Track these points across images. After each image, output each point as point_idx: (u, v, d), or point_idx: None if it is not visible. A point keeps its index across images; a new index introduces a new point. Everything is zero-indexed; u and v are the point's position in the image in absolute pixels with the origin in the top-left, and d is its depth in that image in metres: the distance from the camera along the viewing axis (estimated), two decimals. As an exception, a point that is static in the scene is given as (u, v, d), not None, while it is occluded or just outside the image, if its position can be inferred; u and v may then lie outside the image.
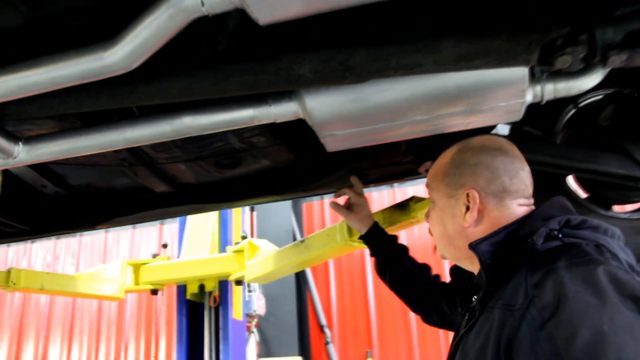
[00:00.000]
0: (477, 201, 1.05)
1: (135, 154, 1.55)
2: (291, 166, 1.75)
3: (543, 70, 1.09)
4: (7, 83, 0.96)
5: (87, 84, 1.01)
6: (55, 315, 7.23)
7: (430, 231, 1.22)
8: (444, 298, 1.44)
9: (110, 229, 7.47)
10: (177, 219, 6.53)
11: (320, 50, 0.97)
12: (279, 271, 2.58)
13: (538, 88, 1.23)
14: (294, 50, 0.98)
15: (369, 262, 6.02)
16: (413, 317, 5.47)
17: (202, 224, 3.70)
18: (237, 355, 3.43)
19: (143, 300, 6.80)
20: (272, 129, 1.51)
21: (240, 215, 4.05)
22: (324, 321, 5.69)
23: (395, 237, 1.65)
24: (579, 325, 0.74)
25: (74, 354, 6.95)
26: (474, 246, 0.99)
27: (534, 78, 1.20)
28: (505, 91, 1.17)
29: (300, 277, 5.94)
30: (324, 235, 2.15)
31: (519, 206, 1.05)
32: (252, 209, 5.78)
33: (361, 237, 1.69)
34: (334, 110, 1.15)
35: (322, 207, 6.70)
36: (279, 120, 1.20)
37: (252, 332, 4.31)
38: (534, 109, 1.33)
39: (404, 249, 1.61)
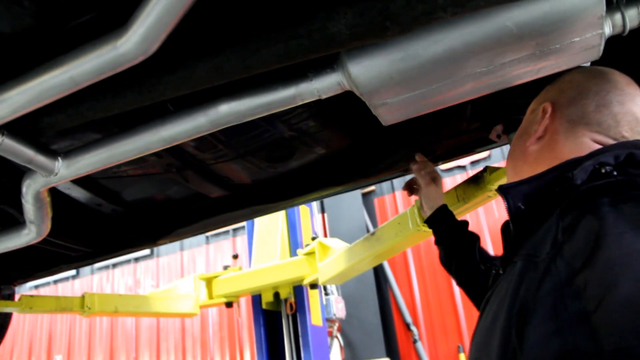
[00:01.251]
0: (548, 115, 0.92)
1: (181, 158, 1.51)
2: (349, 151, 1.64)
3: None
4: (28, 91, 0.93)
5: (111, 83, 0.97)
6: (142, 337, 7.55)
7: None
8: None
9: (185, 248, 7.73)
10: (246, 229, 6.68)
11: (356, 1, 0.86)
12: (353, 269, 2.49)
13: (618, 16, 1.05)
14: (326, 6, 0.88)
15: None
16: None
17: (271, 230, 3.68)
18: (321, 362, 3.37)
19: (224, 315, 6.95)
20: (321, 111, 1.42)
21: (309, 217, 4.00)
22: (409, 319, 5.54)
23: (465, 224, 1.47)
24: (619, 276, 0.55)
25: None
26: (502, 189, 0.83)
27: (611, 4, 1.03)
28: (578, 21, 0.98)
29: (380, 275, 5.83)
30: (394, 224, 2.03)
31: (592, 142, 0.85)
32: (322, 211, 5.73)
33: (426, 221, 1.55)
34: (382, 74, 1.03)
35: (394, 200, 6.55)
36: (324, 96, 1.11)
37: (335, 336, 4.23)
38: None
39: (474, 237, 1.43)
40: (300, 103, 1.11)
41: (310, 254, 3.19)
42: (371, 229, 6.16)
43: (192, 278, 3.45)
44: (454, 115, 1.50)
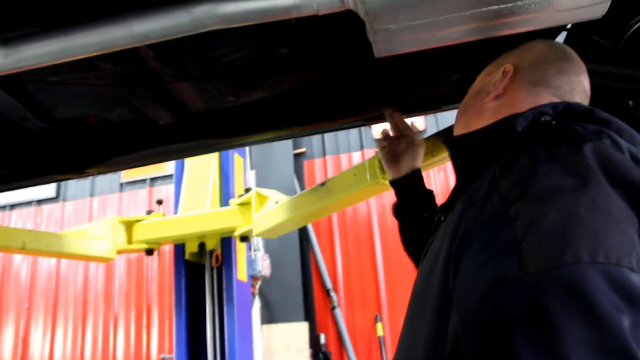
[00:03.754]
0: (509, 75, 1.00)
1: (138, 69, 1.37)
2: (317, 89, 1.58)
3: None
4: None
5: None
6: (38, 286, 7.13)
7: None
8: None
9: (96, 193, 7.32)
10: (171, 177, 6.43)
11: None
12: (293, 221, 2.45)
13: None
14: None
15: (377, 219, 5.94)
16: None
17: (201, 177, 3.54)
18: (243, 320, 3.33)
19: (133, 267, 6.71)
20: (302, 36, 1.34)
21: (242, 169, 3.89)
22: (329, 284, 5.63)
23: (432, 194, 1.45)
24: (546, 207, 0.61)
25: (59, 328, 6.88)
26: (448, 140, 0.92)
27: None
28: None
29: (304, 237, 5.85)
30: (349, 175, 2.00)
31: (550, 100, 0.93)
32: (251, 168, 5.62)
33: (393, 183, 1.49)
34: (393, -5, 0.98)
35: (325, 165, 6.58)
36: (321, 12, 1.04)
37: (256, 295, 4.21)
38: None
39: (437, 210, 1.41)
40: (295, 16, 1.04)
41: (245, 204, 3.11)
42: (299, 191, 6.15)
43: (111, 220, 3.26)
44: (440, 60, 1.48)
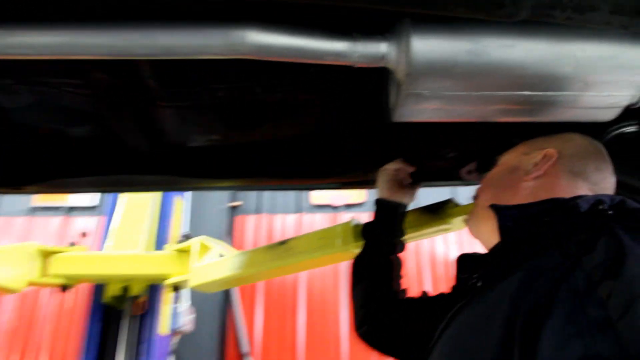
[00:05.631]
0: (553, 160, 1.04)
1: (134, 84, 1.26)
2: (313, 141, 1.53)
3: None
4: None
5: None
6: None
7: (474, 198, 1.20)
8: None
9: (1, 214, 6.72)
10: (92, 209, 6.03)
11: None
12: (241, 278, 2.32)
13: None
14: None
15: (303, 289, 5.82)
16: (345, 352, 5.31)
17: (137, 216, 3.32)
18: (155, 379, 3.05)
19: (26, 302, 6.11)
20: (316, 85, 1.30)
21: (181, 213, 3.72)
22: (246, 348, 5.37)
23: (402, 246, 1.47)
24: None
25: None
26: (495, 206, 0.93)
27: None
28: (627, 76, 1.05)
29: (227, 295, 5.60)
30: (315, 238, 1.94)
31: (586, 194, 0.96)
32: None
33: (378, 201, 1.49)
34: (443, 58, 0.98)
35: (259, 225, 6.44)
36: (357, 65, 1.01)
37: (172, 353, 3.92)
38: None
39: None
40: (329, 62, 1.01)
41: (183, 251, 2.93)
42: (228, 244, 5.95)
43: (26, 247, 2.95)
44: (442, 136, 1.48)
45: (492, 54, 0.97)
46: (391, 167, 1.51)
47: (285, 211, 6.52)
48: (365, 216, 5.91)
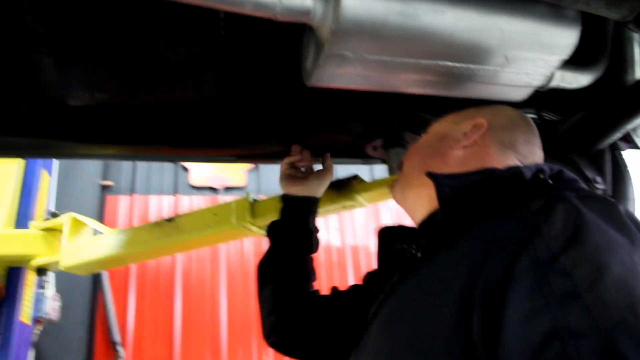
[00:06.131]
0: (483, 130, 1.03)
1: (18, 23, 1.05)
2: (214, 109, 1.41)
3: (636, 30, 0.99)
4: None
5: None
6: None
7: (400, 168, 1.16)
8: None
9: None
10: None
11: None
12: (121, 258, 2.12)
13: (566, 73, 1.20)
14: None
15: (180, 274, 5.58)
16: (225, 346, 5.19)
17: (-5, 190, 2.91)
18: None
19: None
20: (226, 43, 1.19)
21: (48, 189, 3.34)
22: (117, 337, 5.02)
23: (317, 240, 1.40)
24: (607, 260, 0.63)
25: None
26: (432, 174, 0.90)
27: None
28: (544, 55, 1.09)
29: (97, 280, 5.20)
30: (208, 214, 1.82)
31: (516, 165, 0.98)
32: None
33: (284, 197, 1.40)
34: (373, 18, 0.92)
35: (132, 206, 6.05)
36: (279, 18, 0.92)
37: (34, 343, 3.52)
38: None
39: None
40: (248, 12, 0.90)
41: (52, 230, 2.62)
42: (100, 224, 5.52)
43: None
44: (351, 108, 1.43)
45: (423, 18, 0.93)
46: (284, 162, 1.43)
47: (161, 192, 6.19)
48: (249, 198, 5.84)
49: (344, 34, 0.92)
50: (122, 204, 6.04)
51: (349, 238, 5.96)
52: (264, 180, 6.16)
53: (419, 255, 0.84)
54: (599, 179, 1.60)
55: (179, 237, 1.87)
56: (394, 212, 5.93)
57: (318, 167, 1.44)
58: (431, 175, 0.90)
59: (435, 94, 1.17)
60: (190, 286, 5.47)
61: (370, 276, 1.17)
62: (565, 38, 1.05)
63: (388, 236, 1.06)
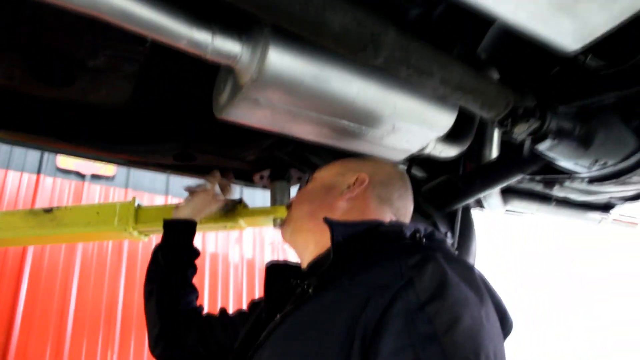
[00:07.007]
0: (365, 184, 1.17)
1: None
2: (126, 114, 1.43)
3: (501, 128, 1.20)
4: None
5: None
6: None
7: (288, 208, 1.27)
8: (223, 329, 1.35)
9: None
10: None
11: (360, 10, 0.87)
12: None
13: (440, 146, 1.40)
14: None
15: (30, 256, 5.14)
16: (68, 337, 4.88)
17: None
18: None
19: None
20: (149, 59, 1.23)
21: None
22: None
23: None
24: (461, 313, 0.80)
25: None
26: (329, 221, 1.04)
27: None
28: (425, 131, 1.28)
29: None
30: (90, 212, 1.79)
31: (391, 218, 1.17)
32: None
33: (167, 224, 1.50)
34: (291, 76, 1.03)
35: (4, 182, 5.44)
36: (208, 57, 0.99)
37: None
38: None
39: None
40: (183, 48, 0.97)
41: None
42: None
43: None
44: (246, 139, 1.53)
45: (333, 83, 1.06)
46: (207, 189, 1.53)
47: (23, 169, 5.68)
48: (114, 190, 5.56)
49: (263, 83, 1.02)
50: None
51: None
52: (133, 172, 5.93)
53: (310, 291, 0.95)
54: (449, 234, 1.84)
55: (55, 230, 1.80)
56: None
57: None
58: (328, 222, 1.02)
59: (327, 143, 1.30)
60: (40, 270, 5.06)
61: (254, 304, 1.27)
62: (444, 120, 1.24)
63: (275, 271, 1.17)
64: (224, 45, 0.98)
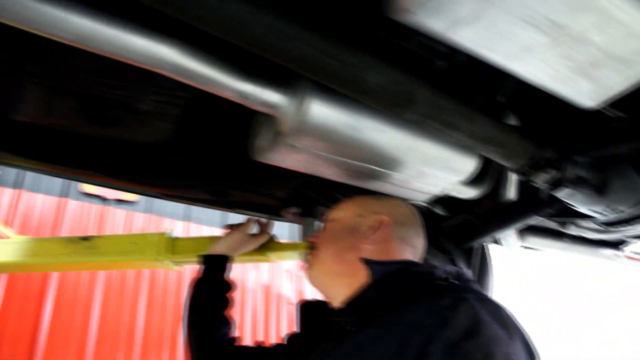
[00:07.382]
0: (388, 227, 1.22)
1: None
2: (166, 151, 1.53)
3: (521, 177, 1.27)
4: None
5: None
6: None
7: (311, 250, 1.30)
8: None
9: None
10: None
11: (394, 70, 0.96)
12: (22, 266, 2.07)
13: (463, 188, 1.47)
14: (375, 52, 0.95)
15: (51, 292, 5.18)
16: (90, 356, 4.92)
17: None
18: None
19: None
20: (193, 109, 1.34)
21: None
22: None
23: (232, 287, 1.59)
24: (493, 349, 0.87)
25: None
26: (368, 261, 1.12)
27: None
28: (449, 175, 1.35)
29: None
30: (125, 241, 1.87)
31: (412, 257, 1.24)
32: None
33: (206, 259, 1.57)
34: (328, 125, 1.11)
35: (17, 202, 5.53)
36: (254, 107, 1.09)
37: None
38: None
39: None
40: (230, 98, 1.06)
41: None
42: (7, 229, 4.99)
43: None
44: (278, 177, 1.61)
45: (366, 132, 1.15)
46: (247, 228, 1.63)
47: (49, 192, 5.79)
48: (136, 215, 5.65)
49: (302, 132, 1.11)
50: (4, 197, 5.55)
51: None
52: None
53: (348, 327, 1.02)
54: (468, 270, 1.90)
55: (92, 257, 1.87)
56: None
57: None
58: (367, 262, 1.11)
59: (354, 184, 1.39)
60: (63, 292, 5.11)
61: (293, 338, 1.34)
62: (468, 166, 1.32)
63: (309, 308, 1.26)
64: (268, 96, 1.06)
